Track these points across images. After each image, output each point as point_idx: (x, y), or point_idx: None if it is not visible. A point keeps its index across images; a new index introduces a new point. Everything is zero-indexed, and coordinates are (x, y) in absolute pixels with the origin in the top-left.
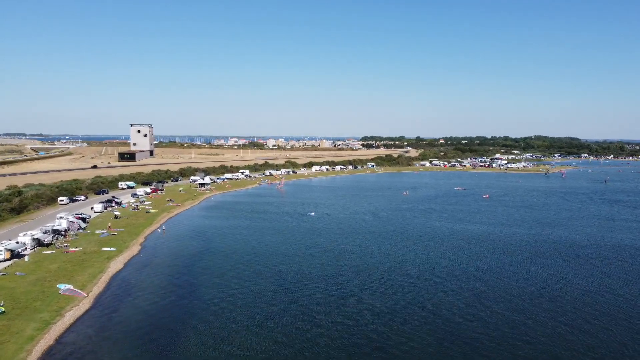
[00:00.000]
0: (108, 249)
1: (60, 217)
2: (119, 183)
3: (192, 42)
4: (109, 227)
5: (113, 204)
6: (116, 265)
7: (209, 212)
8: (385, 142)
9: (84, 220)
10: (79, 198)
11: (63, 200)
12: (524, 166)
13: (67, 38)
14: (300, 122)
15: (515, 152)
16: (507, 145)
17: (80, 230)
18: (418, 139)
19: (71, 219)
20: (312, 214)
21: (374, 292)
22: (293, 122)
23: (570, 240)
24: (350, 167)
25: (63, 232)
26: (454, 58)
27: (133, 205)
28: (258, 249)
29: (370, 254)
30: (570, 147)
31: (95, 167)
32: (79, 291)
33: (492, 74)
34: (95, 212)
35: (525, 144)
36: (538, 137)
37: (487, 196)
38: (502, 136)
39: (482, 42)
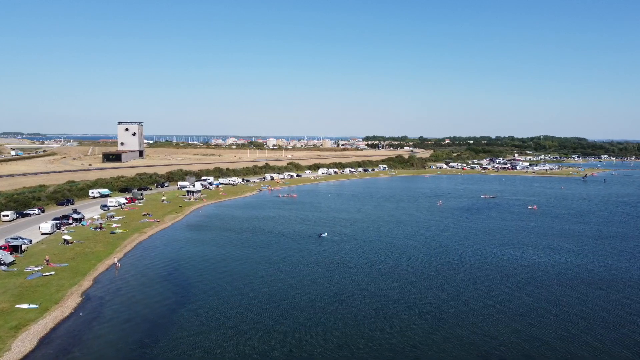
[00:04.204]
0: (26, 306)
1: None
2: (90, 190)
3: (192, 41)
4: (47, 261)
5: (70, 221)
6: (23, 344)
7: (193, 232)
8: (389, 141)
9: (16, 249)
10: (31, 212)
11: (7, 216)
12: (551, 169)
13: (66, 37)
14: (300, 122)
15: (529, 152)
16: (516, 145)
17: (4, 268)
18: (421, 138)
19: None
20: (324, 234)
21: None
22: (293, 121)
23: None
24: (359, 169)
25: None
26: (454, 58)
27: (97, 222)
28: (255, 304)
29: (428, 314)
30: (584, 147)
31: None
32: None
33: (492, 74)
34: (42, 234)
35: (536, 144)
36: (546, 137)
37: (535, 207)
38: (507, 136)
39: (482, 42)
